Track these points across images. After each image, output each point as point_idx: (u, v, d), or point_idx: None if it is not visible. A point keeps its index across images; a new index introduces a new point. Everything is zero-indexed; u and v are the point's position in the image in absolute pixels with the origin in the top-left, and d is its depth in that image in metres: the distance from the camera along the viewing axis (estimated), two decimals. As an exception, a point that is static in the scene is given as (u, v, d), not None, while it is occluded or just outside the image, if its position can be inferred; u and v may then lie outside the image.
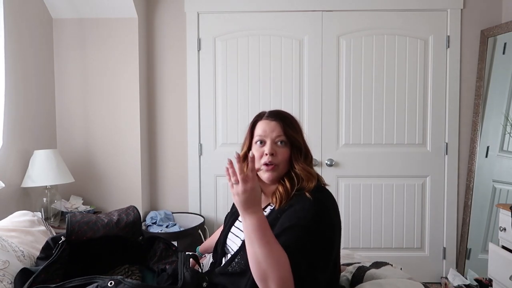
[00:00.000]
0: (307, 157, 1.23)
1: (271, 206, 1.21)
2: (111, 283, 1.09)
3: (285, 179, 1.19)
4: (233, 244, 1.27)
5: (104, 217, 1.38)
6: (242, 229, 0.97)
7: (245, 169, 1.19)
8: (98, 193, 2.69)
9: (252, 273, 0.97)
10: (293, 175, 1.18)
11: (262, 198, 1.26)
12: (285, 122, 1.21)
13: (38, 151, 2.26)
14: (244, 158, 1.25)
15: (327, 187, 1.25)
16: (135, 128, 2.67)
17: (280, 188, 1.17)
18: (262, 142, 1.21)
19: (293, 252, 0.99)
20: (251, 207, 0.96)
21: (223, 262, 1.29)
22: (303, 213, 1.07)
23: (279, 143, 1.19)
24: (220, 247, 1.33)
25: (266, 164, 1.18)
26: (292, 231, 1.04)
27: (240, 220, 1.27)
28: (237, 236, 1.27)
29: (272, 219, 1.13)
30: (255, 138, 1.23)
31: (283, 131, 1.19)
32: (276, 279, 0.94)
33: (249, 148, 1.26)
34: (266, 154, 1.18)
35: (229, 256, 1.27)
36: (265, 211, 1.23)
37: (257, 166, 1.20)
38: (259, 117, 1.27)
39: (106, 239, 1.33)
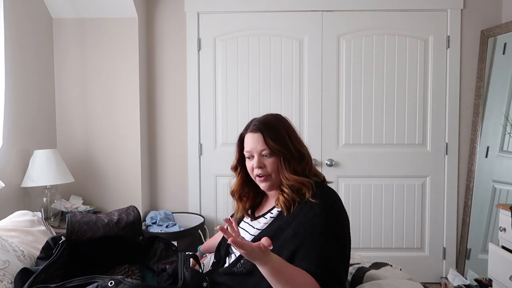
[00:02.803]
0: (302, 160, 1.22)
1: (278, 209, 1.22)
2: (111, 283, 1.09)
3: (283, 188, 1.20)
4: None
5: (104, 217, 1.38)
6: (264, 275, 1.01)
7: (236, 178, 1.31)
8: (98, 193, 2.69)
9: None
10: (285, 188, 1.19)
11: (266, 201, 1.31)
12: (268, 133, 1.21)
13: (38, 151, 2.26)
14: (235, 168, 1.32)
15: (329, 184, 1.26)
16: (135, 128, 2.67)
17: (281, 198, 1.19)
18: (250, 157, 1.24)
19: (317, 265, 1.03)
20: (261, 259, 0.97)
21: (227, 262, 1.30)
22: (316, 220, 1.09)
23: (265, 155, 1.21)
24: (224, 248, 1.34)
25: (258, 176, 1.22)
26: (309, 242, 1.07)
27: (245, 221, 1.31)
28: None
29: (283, 222, 1.15)
30: (245, 153, 1.26)
31: (266, 144, 1.20)
32: None
33: (239, 159, 1.30)
34: (255, 168, 1.21)
35: (233, 256, 1.28)
36: (272, 213, 1.24)
37: (252, 177, 1.26)
38: (245, 130, 1.28)
39: (106, 239, 1.33)
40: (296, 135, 1.26)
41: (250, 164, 1.24)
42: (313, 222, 1.09)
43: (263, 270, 0.98)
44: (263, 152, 1.20)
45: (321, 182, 1.23)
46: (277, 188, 1.22)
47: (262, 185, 1.23)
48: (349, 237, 1.19)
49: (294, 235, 1.09)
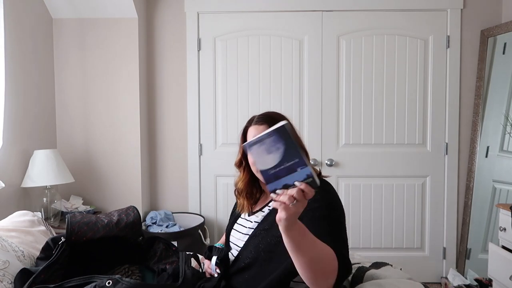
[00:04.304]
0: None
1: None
2: (109, 283, 1.09)
3: None
4: (237, 240, 1.29)
5: (104, 218, 1.38)
6: (286, 244, 0.92)
7: (241, 175, 1.30)
8: (98, 193, 2.69)
9: (310, 279, 0.94)
10: None
11: (264, 196, 1.33)
12: (272, 123, 1.21)
13: (38, 151, 2.26)
14: (240, 164, 1.31)
15: (326, 179, 1.28)
16: (135, 128, 2.67)
17: None
18: None
19: (326, 241, 1.00)
20: (297, 216, 0.89)
21: (230, 256, 1.31)
22: (317, 204, 1.09)
23: None
24: (226, 244, 1.37)
25: None
26: (315, 224, 1.05)
27: (242, 217, 1.34)
28: (239, 232, 1.31)
29: None
30: None
31: None
32: (333, 271, 0.95)
33: (243, 154, 1.29)
34: None
35: (235, 252, 1.29)
36: (269, 206, 1.26)
37: (254, 171, 1.25)
38: (249, 124, 1.29)
39: (106, 239, 1.33)
40: (296, 132, 1.28)
41: None
42: (314, 207, 1.08)
43: (295, 231, 0.89)
44: None
45: (318, 175, 1.24)
46: None
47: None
48: (345, 226, 1.20)
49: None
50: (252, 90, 2.79)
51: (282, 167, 0.84)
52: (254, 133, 1.24)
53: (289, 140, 0.83)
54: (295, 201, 0.83)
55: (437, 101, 2.76)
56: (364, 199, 2.81)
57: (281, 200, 0.84)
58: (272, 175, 0.86)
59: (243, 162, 1.31)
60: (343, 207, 1.22)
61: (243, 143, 1.27)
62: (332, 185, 1.26)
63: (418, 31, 2.74)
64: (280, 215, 0.85)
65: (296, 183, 0.83)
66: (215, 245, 1.37)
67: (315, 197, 1.09)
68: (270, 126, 1.19)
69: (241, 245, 1.25)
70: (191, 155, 2.84)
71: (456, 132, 2.76)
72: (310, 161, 1.31)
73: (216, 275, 1.27)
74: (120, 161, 2.68)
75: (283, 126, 0.83)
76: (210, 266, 1.29)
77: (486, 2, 2.72)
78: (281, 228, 0.88)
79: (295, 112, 2.77)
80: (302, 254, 0.92)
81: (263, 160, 0.86)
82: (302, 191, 0.83)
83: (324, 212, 1.08)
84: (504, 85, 2.55)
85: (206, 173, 2.85)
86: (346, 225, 1.19)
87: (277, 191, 0.85)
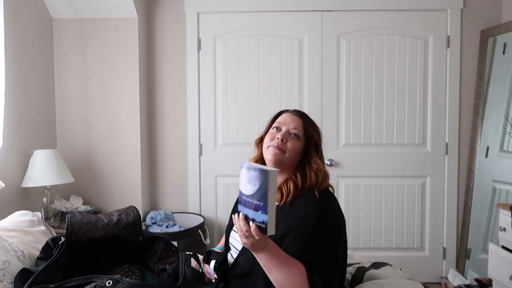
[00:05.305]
0: (321, 158, 1.27)
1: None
2: (109, 283, 1.09)
3: (298, 175, 1.20)
4: (236, 242, 1.29)
5: (104, 218, 1.38)
6: (259, 262, 1.06)
7: (257, 153, 1.32)
8: (98, 193, 2.69)
9: None
10: (307, 171, 1.20)
11: None
12: (306, 119, 1.28)
13: (38, 151, 2.26)
14: (260, 141, 1.32)
15: (330, 188, 1.27)
16: (135, 128, 2.67)
17: (291, 184, 1.18)
18: (278, 129, 1.26)
19: (305, 261, 1.05)
20: (261, 246, 1.02)
21: (229, 257, 1.30)
22: (309, 219, 1.10)
23: (293, 134, 1.23)
24: (225, 245, 1.36)
25: (273, 146, 1.21)
26: (300, 240, 1.09)
27: None
28: (238, 233, 1.29)
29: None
30: (274, 124, 1.28)
31: (302, 126, 1.25)
32: None
33: (266, 132, 1.30)
34: (278, 138, 1.21)
35: (234, 254, 1.28)
36: None
37: (265, 146, 1.24)
38: (284, 110, 1.33)
39: (106, 239, 1.33)
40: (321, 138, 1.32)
41: (272, 133, 1.24)
42: (306, 221, 1.10)
43: (262, 255, 1.03)
44: (293, 131, 1.23)
45: (325, 187, 1.23)
46: (284, 172, 1.22)
47: (272, 153, 1.20)
48: (345, 235, 1.19)
49: (285, 233, 1.11)
50: (252, 90, 2.79)
51: (251, 200, 0.96)
52: (285, 118, 1.27)
53: (264, 185, 0.92)
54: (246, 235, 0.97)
55: (437, 101, 2.76)
56: (364, 199, 2.81)
57: (237, 225, 0.99)
58: (242, 200, 0.99)
59: (262, 141, 1.31)
60: (344, 215, 1.21)
61: (271, 125, 1.29)
62: (334, 189, 1.25)
63: (418, 31, 2.74)
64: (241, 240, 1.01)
65: (251, 223, 0.97)
66: (214, 249, 1.37)
67: (308, 210, 1.11)
68: (303, 121, 1.25)
69: (240, 248, 1.24)
70: (191, 155, 2.84)
71: (456, 132, 2.76)
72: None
73: (214, 280, 1.27)
74: (120, 161, 2.68)
75: (268, 171, 0.91)
76: (209, 270, 1.29)
77: (486, 2, 2.72)
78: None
79: (295, 112, 2.76)
80: (269, 273, 1.04)
81: (242, 184, 0.98)
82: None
83: (312, 228, 1.09)
84: (504, 85, 2.55)
85: (206, 173, 2.85)
86: (346, 227, 1.18)
87: (241, 214, 0.99)
